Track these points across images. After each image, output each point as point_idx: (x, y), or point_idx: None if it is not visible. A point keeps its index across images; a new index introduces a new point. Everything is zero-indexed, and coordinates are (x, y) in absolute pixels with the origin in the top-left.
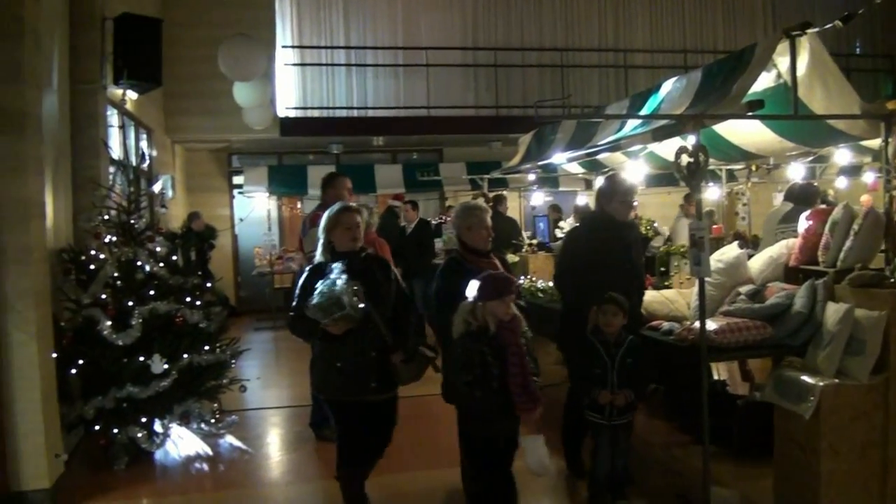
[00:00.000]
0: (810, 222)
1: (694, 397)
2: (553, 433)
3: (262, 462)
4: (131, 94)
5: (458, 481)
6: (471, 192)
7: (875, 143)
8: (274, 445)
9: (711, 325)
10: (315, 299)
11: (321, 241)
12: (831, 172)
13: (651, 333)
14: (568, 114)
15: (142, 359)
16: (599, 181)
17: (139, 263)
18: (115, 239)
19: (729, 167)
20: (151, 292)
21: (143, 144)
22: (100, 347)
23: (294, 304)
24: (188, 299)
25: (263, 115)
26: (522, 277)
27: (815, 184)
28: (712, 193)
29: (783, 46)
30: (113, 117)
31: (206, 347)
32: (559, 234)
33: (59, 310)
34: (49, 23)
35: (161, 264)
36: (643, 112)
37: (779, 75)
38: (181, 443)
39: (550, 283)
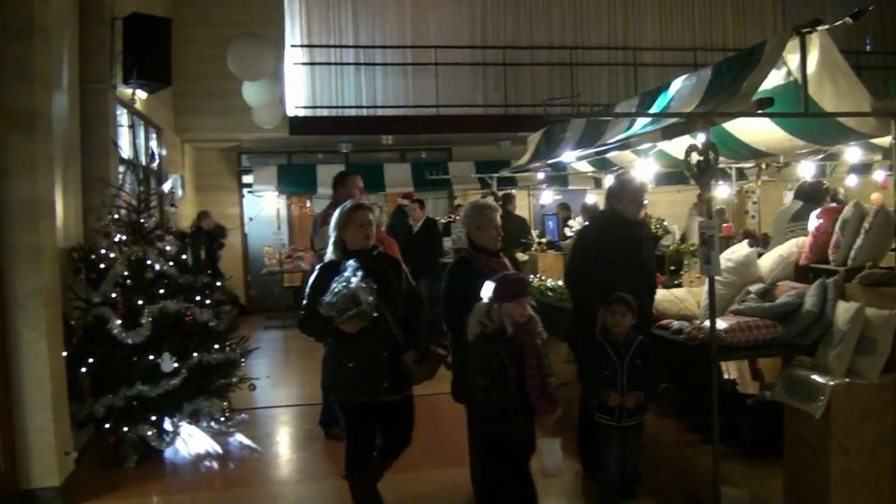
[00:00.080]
0: (821, 220)
1: (704, 396)
2: (566, 433)
3: (272, 460)
4: (141, 94)
5: (467, 480)
6: (480, 190)
7: (886, 140)
8: (283, 444)
9: (721, 323)
10: (329, 297)
11: (332, 239)
12: (841, 170)
13: (661, 332)
14: (577, 112)
15: (152, 357)
16: (609, 180)
17: (149, 262)
18: (124, 238)
19: (739, 165)
20: (161, 291)
21: (153, 144)
22: (110, 346)
23: (305, 302)
24: (198, 298)
25: (273, 115)
26: (532, 276)
27: (825, 182)
28: (722, 192)
29: (793, 44)
30: (122, 117)
31: (216, 346)
32: (568, 232)
33: (70, 309)
34: (58, 23)
35: (171, 263)
36: (653, 110)
37: (789, 73)
38: (191, 441)
39: (560, 282)
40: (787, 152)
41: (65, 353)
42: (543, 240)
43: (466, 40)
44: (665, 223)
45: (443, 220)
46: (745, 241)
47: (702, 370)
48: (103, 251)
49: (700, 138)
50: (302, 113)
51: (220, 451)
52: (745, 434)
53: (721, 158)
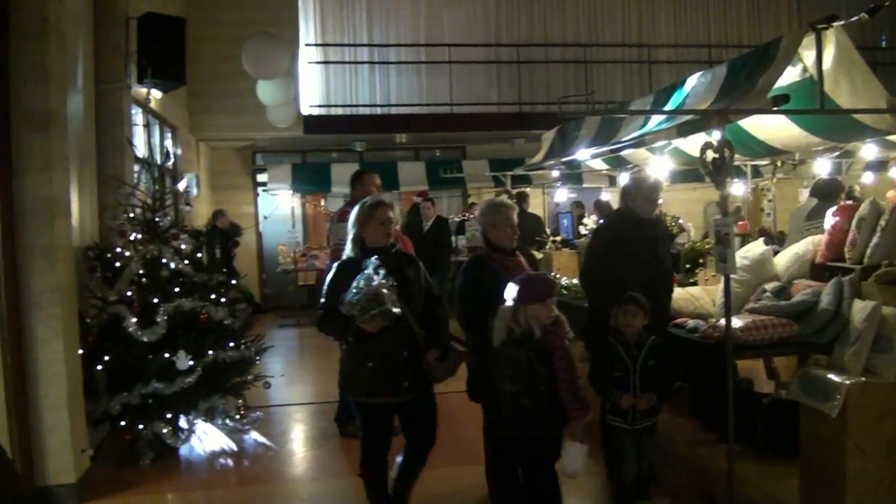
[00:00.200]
0: (837, 218)
1: (719, 395)
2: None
3: (287, 458)
4: (155, 93)
5: (481, 479)
6: (494, 189)
7: None
8: (298, 442)
9: (737, 322)
10: (351, 296)
11: (351, 236)
12: (857, 168)
13: (676, 331)
14: (591, 110)
15: (167, 355)
16: (624, 177)
17: (164, 261)
18: (140, 237)
19: (754, 163)
20: (177, 289)
21: (168, 143)
22: (125, 344)
23: (323, 301)
24: (213, 296)
25: (287, 114)
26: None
27: (839, 179)
28: (737, 189)
29: (809, 40)
30: (137, 116)
31: (231, 344)
32: (583, 230)
33: (85, 307)
34: (73, 23)
35: (186, 262)
36: (668, 108)
37: (804, 69)
38: (206, 438)
39: (575, 281)
40: (803, 149)
41: (80, 351)
42: (558, 238)
43: (480, 38)
44: (680, 221)
45: (457, 219)
46: (761, 240)
47: (717, 369)
48: (119, 250)
49: (715, 135)
50: (316, 112)
51: (234, 448)
52: (760, 433)
53: (736, 156)
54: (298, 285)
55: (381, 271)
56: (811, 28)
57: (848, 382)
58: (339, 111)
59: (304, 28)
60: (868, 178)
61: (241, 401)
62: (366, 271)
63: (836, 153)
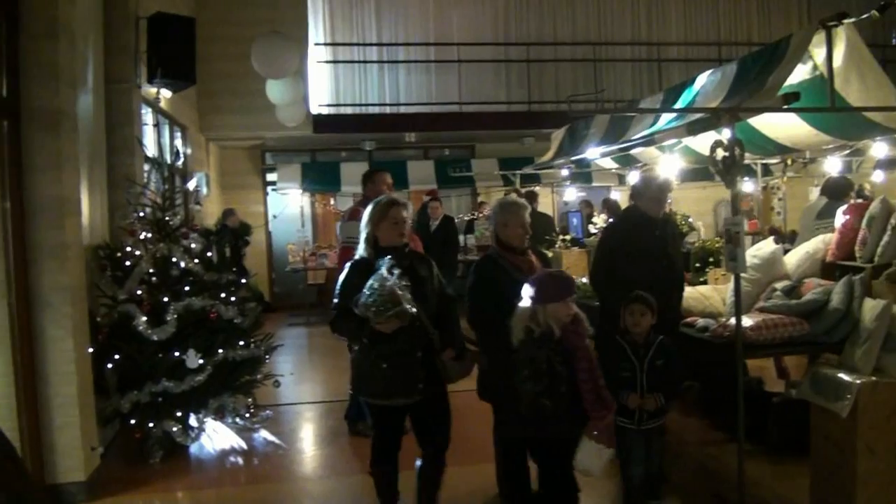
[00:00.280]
0: (847, 217)
1: (729, 394)
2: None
3: (296, 456)
4: (165, 93)
5: (491, 477)
6: (503, 188)
7: None
8: (308, 440)
9: (747, 321)
10: (366, 297)
11: (364, 235)
12: (868, 166)
13: (686, 330)
14: (601, 108)
15: (177, 354)
16: (633, 176)
17: (174, 260)
18: (150, 236)
19: (764, 161)
20: (186, 288)
21: (178, 142)
22: (135, 343)
23: (336, 301)
24: (223, 295)
25: (296, 113)
26: None
27: (848, 177)
28: (747, 188)
29: (819, 37)
30: (147, 116)
31: (241, 343)
32: (592, 229)
33: (95, 306)
34: (83, 23)
35: (196, 261)
36: (677, 106)
37: (815, 67)
38: (216, 437)
39: (584, 279)
40: (813, 148)
41: (91, 350)
42: (567, 237)
43: (490, 37)
44: (690, 220)
45: (466, 218)
46: (771, 238)
47: (727, 368)
48: (129, 249)
49: (725, 134)
50: (325, 111)
51: (244, 447)
52: (770, 433)
53: (746, 154)
54: (308, 284)
55: (396, 271)
56: (821, 25)
57: (858, 382)
58: (349, 110)
59: (313, 27)
60: (878, 176)
61: (250, 399)
62: (379, 271)
63: (847, 151)
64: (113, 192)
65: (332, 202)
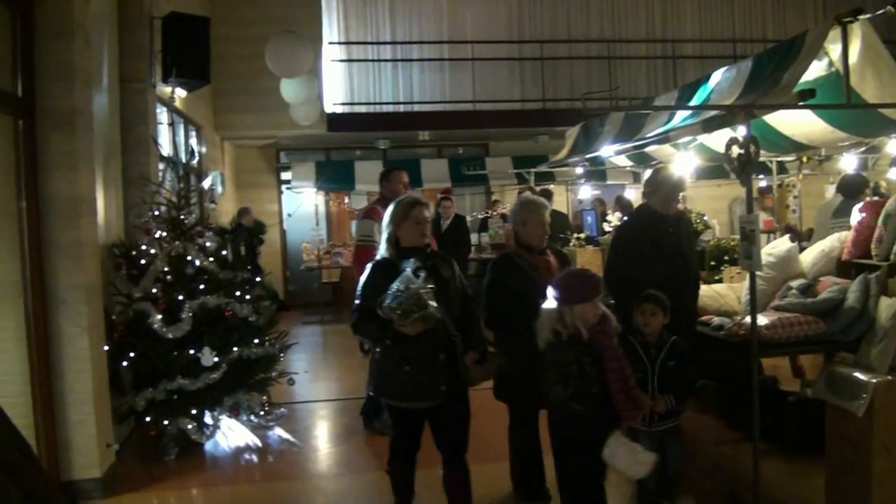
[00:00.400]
0: (863, 215)
1: (744, 393)
2: None
3: (311, 454)
4: (180, 92)
5: (504, 475)
6: (517, 186)
7: None
8: (322, 438)
9: (762, 320)
10: (390, 299)
11: (385, 235)
12: (883, 163)
13: (701, 328)
14: (615, 106)
15: (192, 352)
16: (648, 174)
17: (189, 258)
18: (165, 234)
19: (780, 159)
20: (201, 286)
21: (193, 141)
22: (150, 340)
23: (357, 302)
24: (238, 293)
25: (311, 111)
26: None
27: (864, 175)
28: (764, 185)
29: (834, 34)
30: (162, 115)
31: (256, 341)
32: (607, 228)
33: (111, 304)
34: (98, 22)
35: (211, 259)
36: (692, 103)
37: (830, 63)
38: (230, 434)
39: None
40: (829, 145)
41: (106, 348)
42: (582, 235)
43: (504, 35)
44: (705, 218)
45: (480, 216)
46: (787, 236)
47: (742, 367)
48: (144, 247)
49: (740, 131)
50: (340, 109)
51: (259, 444)
52: (785, 432)
53: (762, 152)
54: (322, 282)
55: (421, 273)
56: (837, 22)
57: (874, 381)
58: (363, 109)
59: (327, 26)
60: (894, 173)
61: (265, 397)
62: (404, 273)
63: (863, 148)
64: (128, 191)
65: (346, 200)
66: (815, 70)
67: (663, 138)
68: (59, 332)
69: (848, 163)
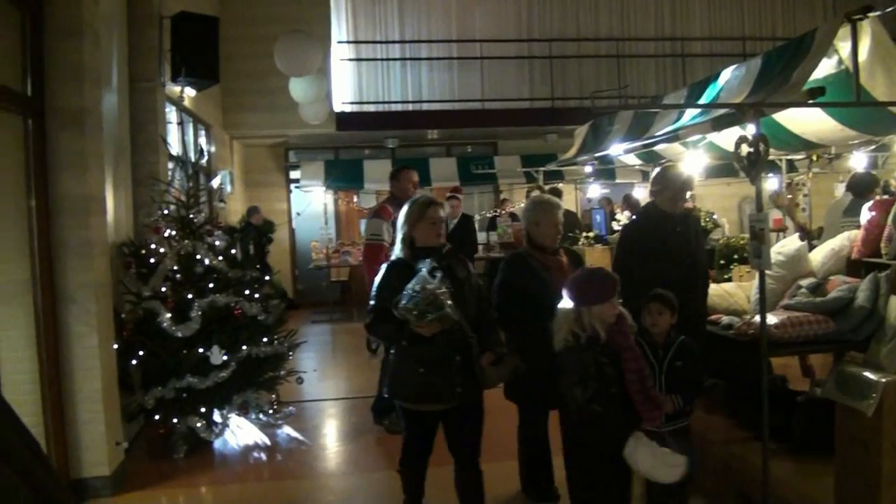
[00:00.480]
0: (873, 213)
1: (753, 393)
2: None
3: (320, 453)
4: (189, 91)
5: (513, 474)
6: (526, 185)
7: None
8: (331, 436)
9: (772, 319)
10: (406, 300)
11: (401, 236)
12: (894, 162)
13: (711, 327)
14: (624, 104)
15: (201, 350)
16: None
17: (198, 257)
18: (174, 233)
19: (789, 157)
20: (211, 285)
21: (202, 140)
22: (160, 339)
23: (373, 303)
24: (247, 292)
25: (319, 111)
26: None
27: (873, 173)
28: (772, 184)
29: (844, 31)
30: (171, 114)
31: (265, 339)
32: (615, 226)
33: (120, 302)
34: (108, 22)
35: (220, 258)
36: (702, 101)
37: (840, 61)
38: (239, 432)
39: None
40: (839, 143)
41: (115, 346)
42: (591, 234)
43: (512, 33)
44: (715, 216)
45: (488, 215)
46: (796, 235)
47: (751, 366)
48: (153, 246)
49: (750, 129)
50: (348, 108)
51: (268, 442)
52: (795, 431)
53: (771, 150)
54: (331, 281)
55: (438, 274)
56: (846, 19)
57: (884, 380)
58: (371, 108)
59: (336, 25)
60: None
61: (274, 395)
62: (420, 274)
63: (873, 147)
64: (137, 190)
65: (355, 199)
66: (825, 68)
67: (672, 137)
68: (69, 330)
69: (858, 161)
